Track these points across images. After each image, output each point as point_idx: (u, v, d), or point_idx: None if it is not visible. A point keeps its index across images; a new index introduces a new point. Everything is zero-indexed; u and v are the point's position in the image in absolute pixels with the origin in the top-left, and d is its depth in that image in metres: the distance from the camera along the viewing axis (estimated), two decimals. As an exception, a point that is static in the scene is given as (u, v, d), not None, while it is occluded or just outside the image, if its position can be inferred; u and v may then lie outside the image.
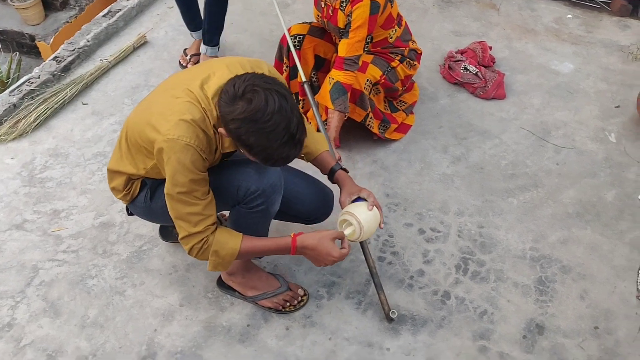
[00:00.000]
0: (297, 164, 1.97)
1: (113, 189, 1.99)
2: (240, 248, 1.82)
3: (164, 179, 1.76)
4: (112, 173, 1.95)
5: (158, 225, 2.37)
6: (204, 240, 1.78)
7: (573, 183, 2.60)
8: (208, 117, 1.70)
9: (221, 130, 1.68)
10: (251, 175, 1.82)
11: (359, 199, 1.95)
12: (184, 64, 3.26)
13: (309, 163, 2.09)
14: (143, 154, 1.82)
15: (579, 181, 2.61)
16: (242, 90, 1.58)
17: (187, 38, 3.46)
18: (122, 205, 2.47)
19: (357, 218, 1.88)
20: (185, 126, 1.67)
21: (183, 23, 3.33)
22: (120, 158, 1.90)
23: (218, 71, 1.74)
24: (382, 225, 1.97)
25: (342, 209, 1.96)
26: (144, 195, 1.93)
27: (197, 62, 3.22)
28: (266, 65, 1.86)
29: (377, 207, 1.93)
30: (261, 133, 1.57)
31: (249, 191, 1.81)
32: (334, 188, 2.10)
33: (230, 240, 1.81)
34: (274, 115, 1.56)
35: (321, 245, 1.84)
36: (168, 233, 2.34)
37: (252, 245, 1.85)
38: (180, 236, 1.80)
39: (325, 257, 1.85)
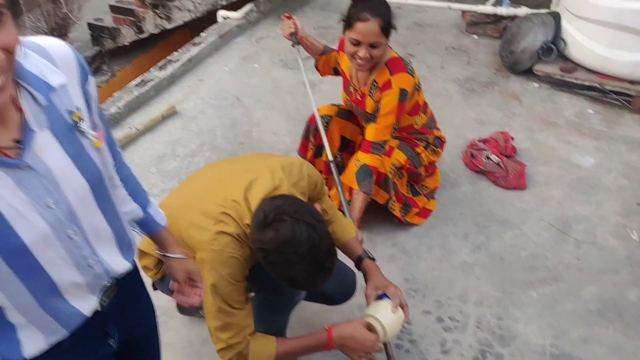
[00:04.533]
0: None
1: (144, 267, 1.99)
2: (276, 353, 1.79)
3: None
4: (143, 253, 1.97)
5: (176, 297, 2.35)
6: (242, 352, 1.75)
7: (594, 279, 2.58)
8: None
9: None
10: None
11: (384, 295, 1.92)
12: None
13: None
14: (184, 248, 1.82)
15: (600, 277, 2.58)
16: (270, 218, 1.58)
17: (215, 111, 3.55)
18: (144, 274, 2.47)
19: (382, 323, 1.84)
20: (229, 239, 1.66)
21: (212, 96, 3.43)
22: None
23: (261, 177, 1.76)
24: (406, 325, 1.92)
25: (367, 302, 1.94)
26: None
27: None
28: (306, 166, 1.89)
29: (402, 306, 1.88)
30: (287, 264, 1.56)
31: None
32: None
33: (266, 348, 1.78)
34: (301, 247, 1.54)
35: (358, 333, 1.81)
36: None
37: (288, 347, 1.81)
38: (217, 347, 1.76)
39: (364, 343, 1.81)
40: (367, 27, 2.29)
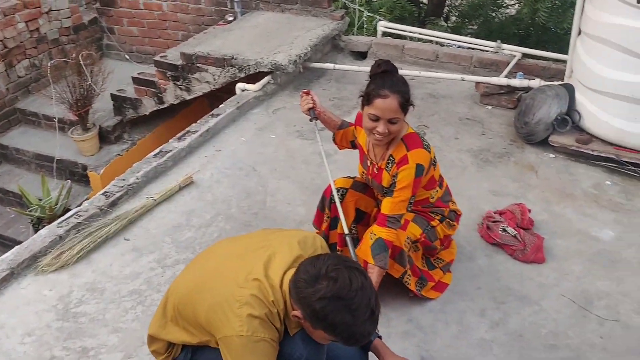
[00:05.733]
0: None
1: (154, 352, 1.97)
2: None
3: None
4: (153, 338, 1.95)
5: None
6: None
7: (619, 360, 2.48)
8: (277, 309, 1.72)
9: (296, 313, 1.69)
10: (296, 342, 1.79)
11: None
12: None
13: None
14: (198, 330, 1.81)
15: (627, 358, 2.48)
16: (325, 270, 1.63)
17: (230, 181, 3.58)
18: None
19: None
20: (257, 322, 1.68)
21: (228, 166, 3.46)
22: (164, 325, 1.90)
23: (279, 252, 1.79)
24: None
25: None
26: (184, 355, 1.91)
27: None
28: (318, 239, 1.93)
29: None
30: (347, 310, 1.60)
31: (293, 357, 1.78)
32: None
33: None
34: (358, 292, 1.60)
35: None
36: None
37: None
38: None
39: None
40: (387, 103, 2.33)
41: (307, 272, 1.64)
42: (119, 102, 5.50)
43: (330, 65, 4.92)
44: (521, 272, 2.92)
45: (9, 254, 2.98)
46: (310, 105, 2.79)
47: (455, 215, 2.80)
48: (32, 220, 4.79)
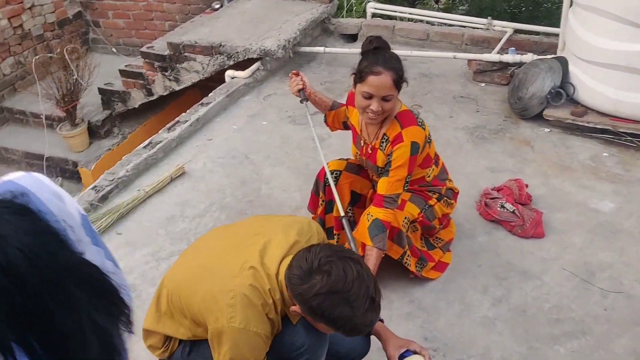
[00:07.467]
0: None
1: (150, 347, 1.92)
2: None
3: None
4: (149, 332, 1.90)
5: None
6: None
7: (625, 331, 2.44)
8: (273, 299, 1.66)
9: (295, 308, 1.64)
10: (298, 330, 1.75)
11: (407, 351, 1.83)
12: None
13: None
14: (190, 322, 1.76)
15: (631, 329, 2.45)
16: (317, 263, 1.56)
17: (224, 170, 3.53)
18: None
19: None
20: (251, 314, 1.62)
21: (221, 155, 3.41)
22: (159, 318, 1.84)
23: (274, 238, 1.73)
24: None
25: None
26: (181, 349, 1.86)
27: None
28: (314, 224, 1.88)
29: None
30: (345, 303, 1.54)
31: (295, 346, 1.73)
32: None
33: None
34: (355, 283, 1.54)
35: None
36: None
37: None
38: None
39: None
40: (380, 80, 2.27)
41: (300, 268, 1.58)
42: (107, 96, 5.42)
43: (320, 49, 4.85)
44: (521, 247, 2.88)
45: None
46: (300, 86, 2.72)
47: (453, 193, 2.75)
48: (24, 220, 4.72)
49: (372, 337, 2.04)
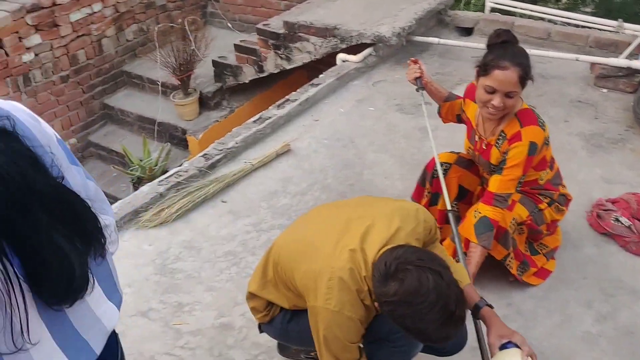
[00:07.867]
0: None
1: (253, 309, 1.98)
2: None
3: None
4: (253, 295, 1.95)
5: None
6: None
7: None
8: (368, 286, 1.64)
9: (377, 305, 1.64)
10: (385, 319, 1.73)
11: (509, 343, 1.77)
12: None
13: None
14: (293, 294, 1.80)
15: None
16: (393, 269, 1.52)
17: (328, 151, 3.55)
18: (244, 308, 2.45)
19: None
20: (346, 298, 1.62)
21: (326, 136, 3.43)
22: (264, 285, 1.89)
23: (378, 222, 1.71)
24: None
25: (490, 351, 1.79)
26: (282, 316, 1.91)
27: None
28: (422, 212, 1.83)
29: (531, 356, 1.73)
30: (416, 316, 1.49)
31: (394, 328, 1.73)
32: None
33: None
34: (429, 295, 1.47)
35: None
36: (286, 347, 2.28)
37: None
38: None
39: None
40: (506, 75, 2.20)
41: (379, 270, 1.55)
42: (220, 69, 5.58)
43: (434, 40, 4.76)
44: (635, 265, 2.72)
45: (112, 208, 3.09)
46: (418, 74, 2.68)
47: (565, 199, 2.63)
48: (132, 180, 4.98)
49: (469, 330, 1.98)
